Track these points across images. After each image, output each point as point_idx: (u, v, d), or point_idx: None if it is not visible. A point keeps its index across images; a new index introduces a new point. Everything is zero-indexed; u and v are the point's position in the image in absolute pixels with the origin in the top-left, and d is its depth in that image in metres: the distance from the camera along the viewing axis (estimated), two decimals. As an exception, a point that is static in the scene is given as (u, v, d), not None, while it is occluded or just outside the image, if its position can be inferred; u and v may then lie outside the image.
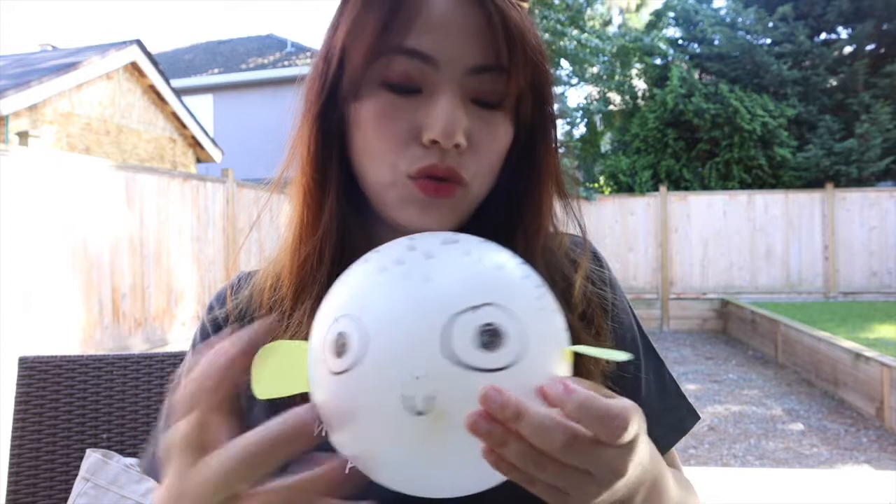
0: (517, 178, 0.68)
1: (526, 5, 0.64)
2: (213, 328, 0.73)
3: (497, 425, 0.38)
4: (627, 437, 0.40)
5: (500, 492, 0.49)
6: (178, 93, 11.72)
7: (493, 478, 0.45)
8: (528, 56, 0.62)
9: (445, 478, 0.43)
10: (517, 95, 0.63)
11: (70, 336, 6.24)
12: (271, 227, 0.77)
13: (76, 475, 1.00)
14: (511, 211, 0.69)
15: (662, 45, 14.21)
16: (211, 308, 0.76)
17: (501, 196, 0.68)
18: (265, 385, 0.46)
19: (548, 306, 0.46)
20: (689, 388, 6.36)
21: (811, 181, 12.51)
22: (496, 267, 0.45)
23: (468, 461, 0.42)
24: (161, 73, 11.02)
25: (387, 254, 0.47)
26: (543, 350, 0.43)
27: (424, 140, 0.60)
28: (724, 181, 12.89)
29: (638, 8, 16.92)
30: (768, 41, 13.80)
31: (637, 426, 0.41)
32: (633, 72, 14.50)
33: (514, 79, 0.62)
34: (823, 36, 14.20)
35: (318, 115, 0.64)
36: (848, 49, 13.84)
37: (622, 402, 0.41)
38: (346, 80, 0.62)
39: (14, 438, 1.06)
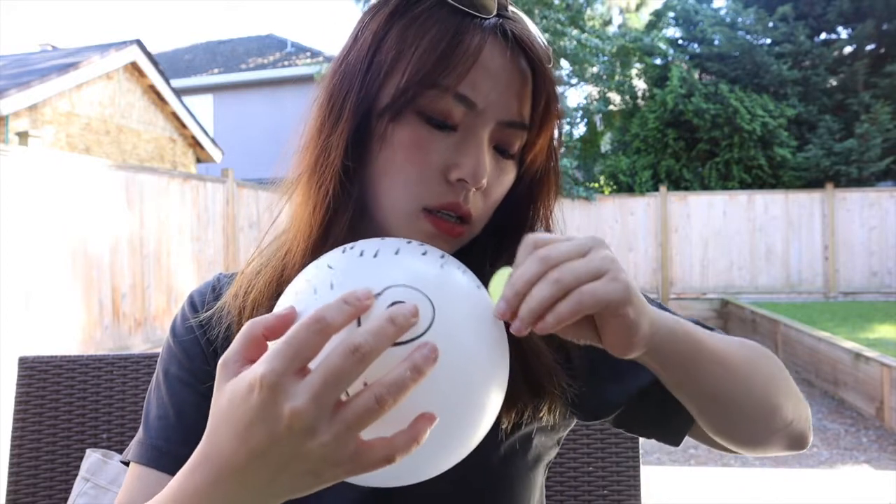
0: (512, 211, 0.71)
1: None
2: (185, 330, 0.76)
3: None
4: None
5: (444, 481, 0.53)
6: (178, 93, 11.72)
7: (428, 466, 0.50)
8: (553, 119, 0.67)
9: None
10: (535, 151, 0.68)
11: (70, 336, 6.24)
12: (270, 222, 0.77)
13: (76, 475, 1.00)
14: (500, 239, 0.71)
15: (662, 45, 14.20)
16: (192, 300, 0.78)
17: (493, 225, 0.70)
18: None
19: (451, 270, 0.52)
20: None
21: (811, 181, 12.51)
22: (392, 254, 0.51)
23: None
24: (161, 73, 11.02)
25: (299, 278, 0.53)
26: (456, 305, 0.49)
27: (451, 178, 0.63)
28: (724, 181, 12.89)
29: (638, 8, 16.91)
30: (768, 41, 13.80)
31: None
32: (633, 72, 14.49)
33: (540, 138, 0.67)
34: (823, 36, 14.20)
35: (356, 124, 0.64)
36: (848, 49, 13.84)
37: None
38: (387, 98, 0.63)
39: (14, 438, 1.06)
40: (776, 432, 0.68)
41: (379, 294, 0.47)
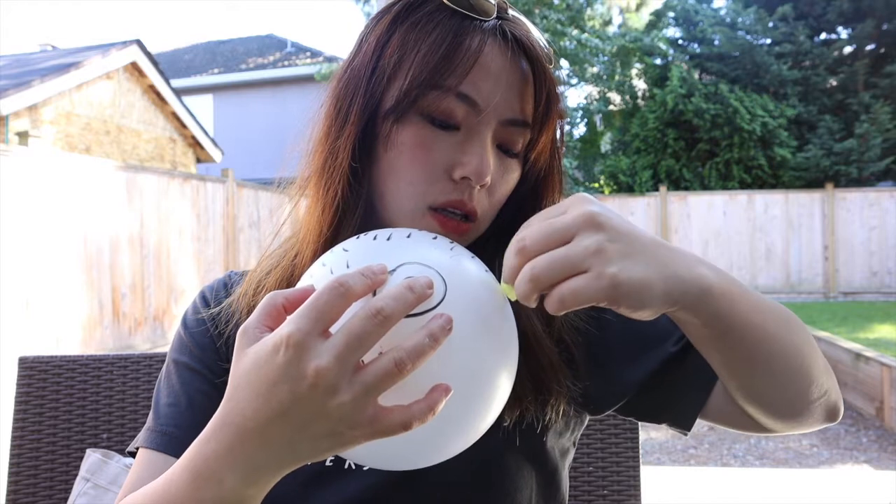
0: (519, 211, 0.71)
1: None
2: (196, 323, 0.78)
3: None
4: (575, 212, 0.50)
5: (452, 478, 0.53)
6: (178, 93, 11.72)
7: (436, 448, 0.50)
8: (554, 118, 0.68)
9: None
10: (538, 149, 0.69)
11: (70, 336, 6.24)
12: (277, 223, 0.78)
13: (76, 475, 1.00)
14: (508, 238, 0.70)
15: (662, 45, 14.22)
16: (203, 295, 0.80)
17: (501, 225, 0.70)
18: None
19: (461, 254, 0.54)
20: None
21: (811, 181, 12.51)
22: (403, 237, 0.54)
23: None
24: (161, 73, 11.02)
25: (315, 263, 0.55)
26: (466, 284, 0.51)
27: (455, 176, 0.64)
28: (724, 181, 12.89)
29: (638, 8, 16.92)
30: (768, 41, 13.81)
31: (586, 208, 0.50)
32: (633, 72, 14.50)
33: (542, 137, 0.68)
34: (823, 36, 14.20)
35: (362, 128, 0.66)
36: (848, 49, 13.85)
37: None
38: (391, 101, 0.64)
39: (14, 438, 1.06)
40: (811, 402, 0.65)
41: (393, 271, 0.49)
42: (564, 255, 0.48)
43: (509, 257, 0.50)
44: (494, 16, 0.65)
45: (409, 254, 0.51)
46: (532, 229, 0.49)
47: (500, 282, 0.55)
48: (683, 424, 0.74)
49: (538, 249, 0.48)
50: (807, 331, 0.66)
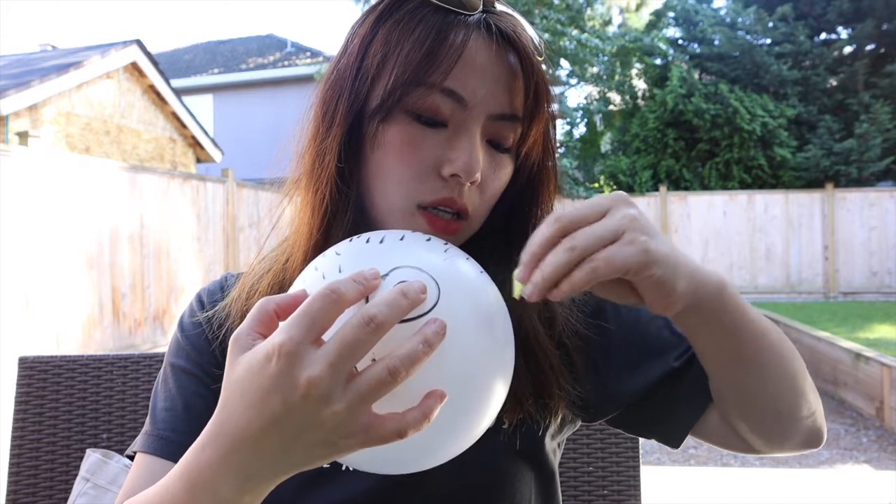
0: (515, 208, 0.71)
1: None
2: (192, 326, 0.77)
3: None
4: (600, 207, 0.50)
5: (443, 473, 0.53)
6: (178, 93, 11.71)
7: (438, 450, 0.50)
8: (544, 111, 0.67)
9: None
10: (529, 144, 0.68)
11: (70, 336, 6.24)
12: (271, 225, 0.78)
13: (76, 475, 1.00)
14: (505, 240, 0.71)
15: (662, 45, 14.22)
16: (200, 297, 0.80)
17: (497, 223, 0.70)
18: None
19: (455, 256, 0.53)
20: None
21: (811, 181, 12.52)
22: (396, 240, 0.53)
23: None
24: (161, 73, 11.01)
25: (308, 267, 0.54)
26: (460, 287, 0.50)
27: (444, 173, 0.63)
28: (724, 181, 12.89)
29: (638, 8, 16.92)
30: (768, 41, 13.81)
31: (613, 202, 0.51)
32: (633, 72, 14.50)
33: (532, 130, 0.67)
34: (823, 36, 14.20)
35: (348, 128, 0.65)
36: (848, 49, 13.84)
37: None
38: (376, 100, 0.64)
39: (14, 438, 1.06)
40: (800, 420, 0.67)
41: (385, 275, 0.48)
42: (601, 224, 0.49)
43: (546, 228, 0.49)
44: (479, 10, 0.64)
45: (401, 257, 0.50)
46: (568, 210, 0.50)
47: (496, 283, 0.54)
48: (673, 441, 0.74)
49: (576, 223, 0.49)
50: (797, 353, 0.67)
